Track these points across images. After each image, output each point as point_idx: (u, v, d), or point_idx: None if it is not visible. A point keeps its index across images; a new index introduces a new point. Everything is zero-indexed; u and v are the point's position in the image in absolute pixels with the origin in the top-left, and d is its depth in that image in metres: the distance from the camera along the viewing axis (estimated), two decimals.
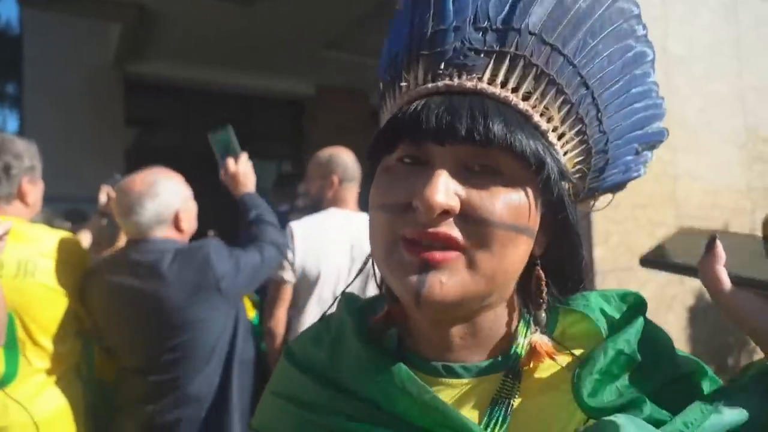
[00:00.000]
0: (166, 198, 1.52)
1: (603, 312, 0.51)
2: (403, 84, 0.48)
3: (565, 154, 0.48)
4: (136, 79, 5.30)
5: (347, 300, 0.57)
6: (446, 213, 0.42)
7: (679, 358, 0.49)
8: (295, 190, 3.02)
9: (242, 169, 1.68)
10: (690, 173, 2.84)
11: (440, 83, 0.45)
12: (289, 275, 1.80)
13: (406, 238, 0.43)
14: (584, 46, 0.46)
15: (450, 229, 0.42)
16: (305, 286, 1.82)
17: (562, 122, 0.46)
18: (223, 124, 1.69)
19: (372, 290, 1.79)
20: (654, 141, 0.54)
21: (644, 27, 0.50)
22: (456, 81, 0.45)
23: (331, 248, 1.82)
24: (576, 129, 0.47)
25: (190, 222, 1.60)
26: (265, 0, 3.96)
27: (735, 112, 3.24)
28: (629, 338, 0.47)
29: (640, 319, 0.49)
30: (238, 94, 5.75)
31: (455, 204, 0.42)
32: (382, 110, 0.52)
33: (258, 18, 4.25)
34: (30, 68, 4.98)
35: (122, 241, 2.01)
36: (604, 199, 0.58)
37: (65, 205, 3.21)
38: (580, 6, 0.46)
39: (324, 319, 0.59)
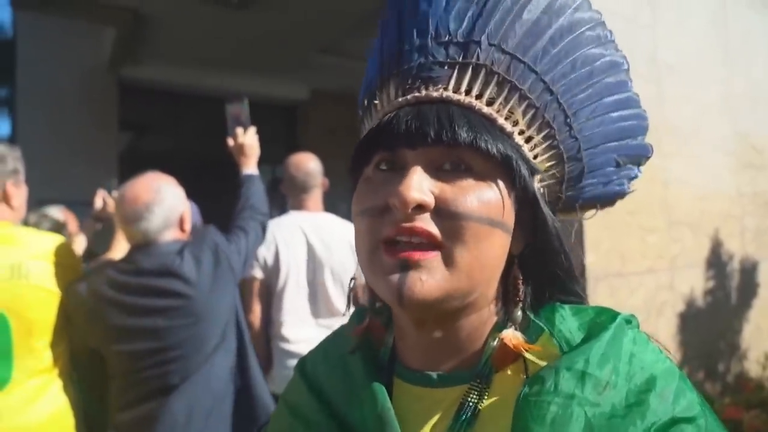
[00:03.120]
0: (172, 202, 1.56)
1: (566, 327, 0.48)
2: (376, 102, 0.52)
3: (536, 157, 0.50)
4: (131, 82, 5.28)
5: (356, 312, 0.60)
6: (421, 208, 0.44)
7: (677, 392, 0.42)
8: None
9: (248, 141, 1.76)
10: (681, 179, 2.87)
11: (409, 96, 0.48)
12: (258, 272, 2.04)
13: (385, 241, 0.45)
14: (545, 53, 0.49)
15: (426, 224, 0.44)
16: (272, 278, 2.05)
17: (528, 126, 0.49)
18: (239, 96, 1.80)
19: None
20: (637, 155, 0.55)
21: (611, 34, 0.52)
22: (423, 92, 0.48)
23: (290, 242, 2.04)
24: (544, 133, 0.49)
25: (190, 222, 1.66)
26: (259, 4, 3.97)
27: (725, 119, 3.28)
28: (588, 356, 0.43)
29: (607, 335, 0.44)
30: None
31: (429, 199, 0.44)
32: (361, 132, 0.55)
33: (252, 22, 4.25)
34: (23, 72, 4.95)
35: (117, 246, 2.00)
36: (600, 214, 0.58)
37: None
38: (539, 18, 0.49)
39: (337, 330, 0.62)
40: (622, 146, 0.53)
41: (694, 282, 2.94)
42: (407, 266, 0.43)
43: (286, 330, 1.99)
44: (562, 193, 0.53)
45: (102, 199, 2.11)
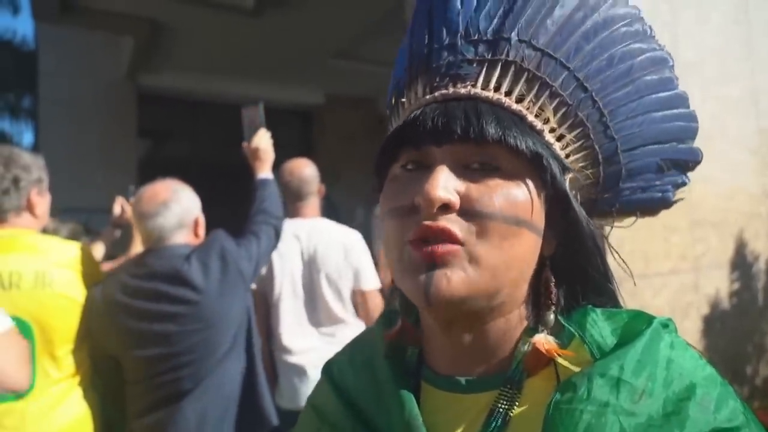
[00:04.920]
0: (188, 204, 1.61)
1: (598, 331, 0.46)
2: (404, 100, 0.51)
3: (567, 156, 0.48)
4: (148, 91, 5.36)
5: (385, 315, 0.58)
6: (447, 208, 0.43)
7: (719, 400, 0.40)
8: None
9: (262, 145, 1.78)
10: (704, 178, 2.81)
11: (437, 93, 0.47)
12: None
13: (412, 240, 0.44)
14: (578, 50, 0.47)
15: (449, 223, 0.43)
16: (267, 288, 2.01)
17: (560, 124, 0.47)
18: (255, 101, 1.82)
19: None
20: (683, 160, 0.52)
21: (651, 29, 0.50)
22: (451, 90, 0.47)
23: (284, 251, 2.00)
24: (577, 131, 0.48)
25: (204, 228, 1.68)
26: (274, 11, 4.00)
27: (748, 115, 3.20)
28: (624, 362, 0.41)
29: (643, 340, 0.42)
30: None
31: (455, 198, 0.43)
32: (388, 131, 0.53)
33: (266, 29, 4.29)
34: (45, 82, 5.06)
35: (134, 251, 2.03)
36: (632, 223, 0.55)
37: (79, 216, 3.24)
38: (572, 14, 0.47)
39: (362, 334, 0.61)
40: (666, 149, 0.51)
41: (719, 283, 2.88)
42: (434, 265, 0.43)
43: (287, 340, 1.95)
44: (597, 195, 0.51)
45: (120, 206, 2.13)
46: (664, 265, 2.55)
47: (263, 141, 1.79)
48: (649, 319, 0.45)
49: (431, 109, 0.45)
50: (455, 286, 0.42)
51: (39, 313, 1.37)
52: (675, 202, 0.55)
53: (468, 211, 0.43)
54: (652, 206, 0.54)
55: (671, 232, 2.60)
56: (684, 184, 0.54)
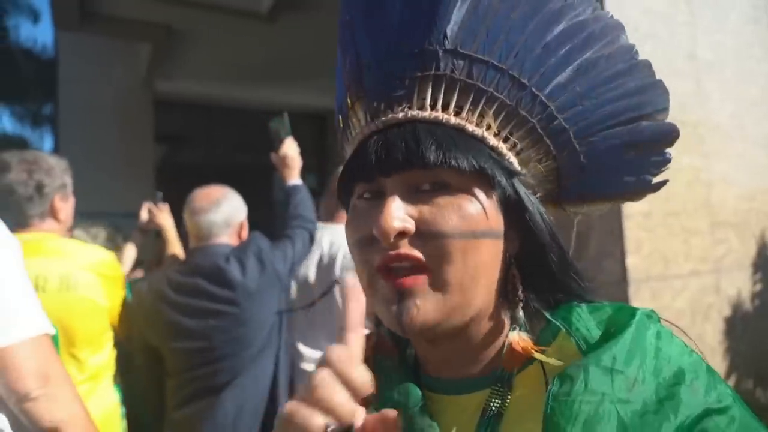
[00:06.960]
0: (238, 205, 1.73)
1: (583, 325, 0.46)
2: (349, 129, 0.51)
3: (519, 153, 0.47)
4: (165, 96, 5.43)
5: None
6: (403, 234, 0.44)
7: (708, 384, 0.41)
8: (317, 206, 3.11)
9: (290, 154, 1.85)
10: (724, 179, 2.77)
11: (377, 121, 0.47)
12: None
13: (380, 268, 0.45)
14: (510, 45, 0.45)
15: (410, 249, 0.44)
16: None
17: (503, 126, 0.47)
18: (280, 112, 1.90)
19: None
20: (656, 141, 0.49)
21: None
22: (390, 115, 0.46)
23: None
24: (523, 129, 0.47)
25: (246, 233, 1.78)
26: (288, 16, 4.03)
27: None
28: (615, 353, 0.42)
29: (630, 331, 0.43)
30: (263, 109, 5.85)
31: (409, 225, 0.44)
32: (344, 155, 0.54)
33: (281, 34, 4.32)
34: (65, 89, 5.15)
35: (170, 254, 2.06)
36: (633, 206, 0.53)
37: (97, 221, 3.29)
38: (496, 8, 0.45)
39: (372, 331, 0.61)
40: (632, 131, 0.48)
41: (741, 284, 2.83)
42: (403, 295, 0.44)
43: (299, 345, 1.93)
44: (559, 185, 0.51)
45: (148, 211, 2.16)
46: (684, 267, 2.51)
47: (291, 150, 1.85)
48: (632, 311, 0.45)
49: (374, 141, 0.46)
50: (425, 313, 0.43)
51: (63, 316, 1.40)
52: (658, 185, 0.52)
53: (424, 233, 0.44)
54: (629, 190, 0.52)
55: (691, 234, 2.56)
56: (666, 161, 0.51)
